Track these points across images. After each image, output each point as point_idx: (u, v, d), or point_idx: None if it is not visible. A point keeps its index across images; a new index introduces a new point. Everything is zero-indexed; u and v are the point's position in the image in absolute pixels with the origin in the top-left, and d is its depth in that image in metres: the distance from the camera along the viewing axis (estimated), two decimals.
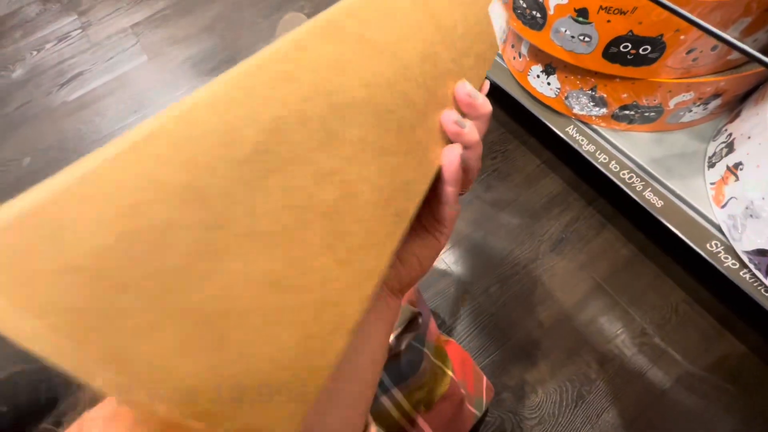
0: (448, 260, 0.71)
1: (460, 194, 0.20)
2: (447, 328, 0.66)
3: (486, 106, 0.19)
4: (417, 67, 0.17)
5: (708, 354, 0.61)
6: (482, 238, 0.72)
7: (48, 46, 1.06)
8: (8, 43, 1.08)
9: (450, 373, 0.45)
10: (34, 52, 1.05)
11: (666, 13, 0.41)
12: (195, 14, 1.07)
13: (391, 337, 0.40)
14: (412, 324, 0.42)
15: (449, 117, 0.18)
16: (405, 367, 0.41)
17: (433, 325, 0.48)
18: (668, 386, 0.59)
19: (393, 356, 0.40)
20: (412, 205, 0.16)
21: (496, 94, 0.71)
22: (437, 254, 0.21)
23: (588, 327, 0.64)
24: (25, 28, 1.10)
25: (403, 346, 0.42)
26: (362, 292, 0.13)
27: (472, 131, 0.18)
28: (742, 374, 0.59)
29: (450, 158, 0.18)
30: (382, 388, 0.39)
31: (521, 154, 0.79)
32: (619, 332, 0.63)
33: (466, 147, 0.18)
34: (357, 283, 0.13)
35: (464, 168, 0.19)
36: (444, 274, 0.70)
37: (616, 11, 0.43)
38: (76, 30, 1.08)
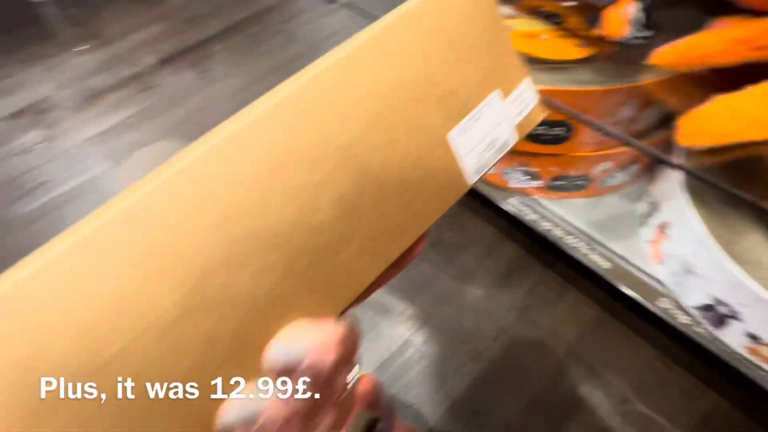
0: (416, 342, 0.69)
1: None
2: (422, 420, 0.61)
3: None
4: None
5: (694, 416, 0.58)
6: (449, 313, 0.71)
7: (11, 158, 1.08)
8: None
9: None
10: None
11: (566, 100, 0.47)
12: (160, 119, 1.13)
13: None
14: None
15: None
16: None
17: (398, 425, 0.44)
18: None
19: None
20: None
21: None
22: None
23: (568, 400, 0.61)
24: None
25: None
26: None
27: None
28: None
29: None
30: None
31: (477, 224, 0.82)
32: (600, 401, 0.60)
33: None
34: None
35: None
36: (415, 358, 0.67)
37: None
38: (39, 143, 1.12)
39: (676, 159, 0.53)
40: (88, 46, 1.36)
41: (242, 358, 0.13)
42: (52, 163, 1.07)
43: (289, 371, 0.13)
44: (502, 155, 0.20)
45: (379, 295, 0.77)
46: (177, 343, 0.12)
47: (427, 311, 0.71)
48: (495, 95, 0.19)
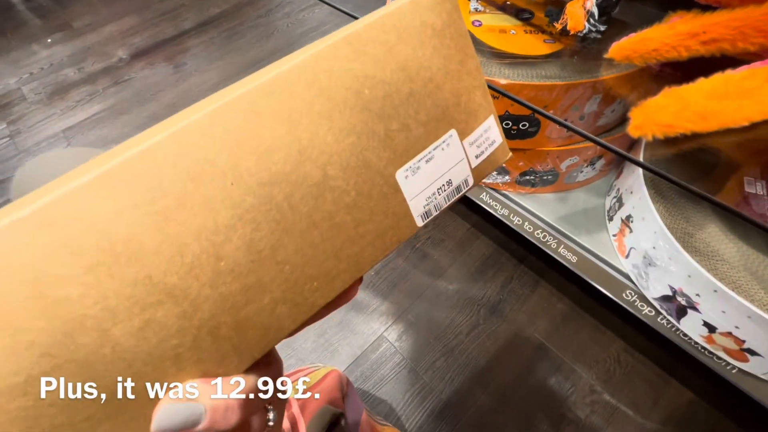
0: (390, 338, 0.68)
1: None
2: (394, 416, 0.61)
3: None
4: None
5: (658, 405, 0.59)
6: (423, 309, 0.71)
7: None
8: None
9: None
10: None
11: (530, 94, 0.47)
12: (130, 114, 1.10)
13: None
14: (334, 428, 0.38)
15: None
16: None
17: (364, 419, 0.44)
18: None
19: None
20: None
21: None
22: None
23: (538, 392, 0.62)
24: None
25: None
26: None
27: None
28: (694, 423, 0.58)
29: None
30: None
31: (451, 220, 0.82)
32: (569, 393, 0.61)
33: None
34: None
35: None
36: (389, 353, 0.67)
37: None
38: (3, 138, 1.07)
39: (634, 154, 0.54)
40: (57, 39, 1.32)
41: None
42: (16, 159, 1.02)
43: None
44: (455, 199, 0.18)
45: None
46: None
47: (401, 307, 0.71)
48: (452, 134, 0.17)
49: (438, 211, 0.17)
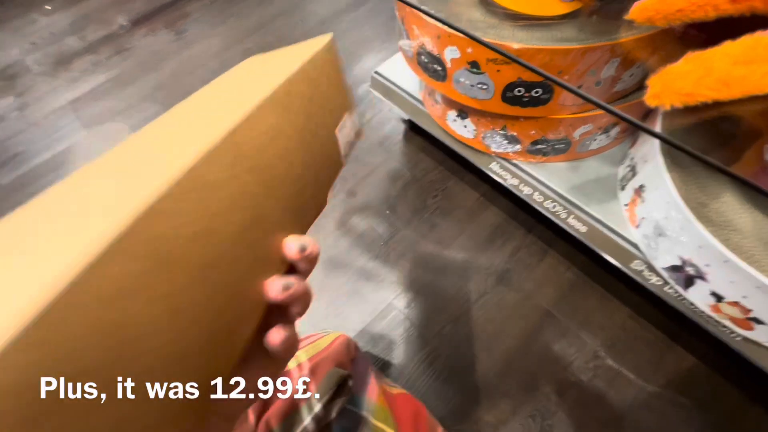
0: (399, 305, 0.70)
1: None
2: (403, 379, 0.64)
3: (316, 247, 0.19)
4: (230, 251, 0.15)
5: (660, 370, 0.61)
6: (431, 278, 0.72)
7: None
8: None
9: None
10: None
11: (545, 59, 0.45)
12: (135, 85, 1.08)
13: (319, 407, 0.38)
14: (341, 389, 0.40)
15: (276, 288, 0.17)
16: None
17: (373, 382, 0.46)
18: (627, 408, 0.59)
19: (323, 427, 0.38)
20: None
21: (430, 136, 0.74)
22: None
23: (543, 357, 0.64)
24: None
25: (334, 414, 0.40)
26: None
27: (299, 285, 0.18)
28: (694, 386, 0.59)
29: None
30: None
31: (461, 189, 0.81)
32: (573, 358, 0.63)
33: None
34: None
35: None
36: (397, 320, 0.69)
37: (502, 62, 0.46)
38: (13, 111, 1.07)
39: (651, 122, 0.52)
40: (56, 5, 1.28)
41: None
42: (27, 132, 1.03)
43: (303, 253, 0.18)
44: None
45: (363, 260, 0.78)
46: None
47: (410, 276, 0.73)
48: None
49: None
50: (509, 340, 0.66)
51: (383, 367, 0.65)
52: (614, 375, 0.61)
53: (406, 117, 0.82)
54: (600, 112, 0.52)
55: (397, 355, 0.66)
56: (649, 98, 0.27)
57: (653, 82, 0.28)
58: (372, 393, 0.45)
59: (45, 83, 1.12)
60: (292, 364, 0.40)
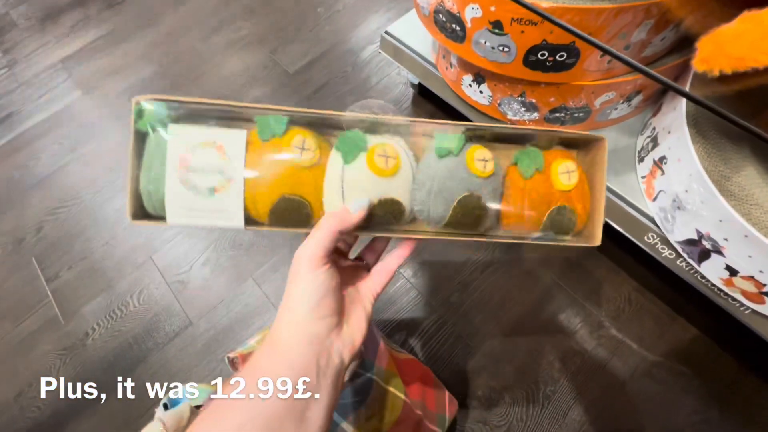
0: (407, 274, 0.71)
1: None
2: (410, 345, 0.65)
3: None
4: None
5: (662, 340, 0.62)
6: (438, 248, 0.72)
7: None
8: None
9: (402, 396, 0.44)
10: None
11: (575, 20, 0.42)
12: (129, 43, 1.03)
13: None
14: None
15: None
16: (352, 397, 0.40)
17: (382, 347, 0.47)
18: (628, 376, 0.60)
19: None
20: None
21: (440, 102, 0.72)
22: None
23: (548, 326, 0.65)
24: None
25: (347, 377, 0.40)
26: None
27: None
28: (695, 356, 0.61)
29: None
30: (332, 423, 0.38)
31: None
32: (578, 328, 0.64)
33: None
34: None
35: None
36: (404, 289, 0.69)
37: (527, 22, 0.43)
38: (2, 69, 1.02)
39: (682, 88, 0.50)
40: None
41: None
42: (18, 92, 0.99)
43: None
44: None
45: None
46: None
47: (417, 244, 0.72)
48: None
49: None
50: (516, 308, 0.67)
51: (390, 332, 0.67)
52: (617, 344, 0.63)
53: (416, 81, 0.79)
54: (626, 78, 0.50)
55: (405, 322, 0.67)
56: (698, 62, 0.26)
57: (703, 44, 0.26)
58: (382, 358, 0.45)
59: (33, 40, 1.07)
60: None
